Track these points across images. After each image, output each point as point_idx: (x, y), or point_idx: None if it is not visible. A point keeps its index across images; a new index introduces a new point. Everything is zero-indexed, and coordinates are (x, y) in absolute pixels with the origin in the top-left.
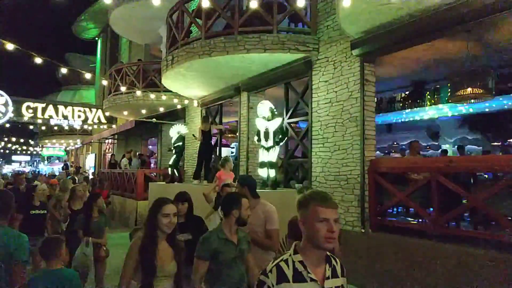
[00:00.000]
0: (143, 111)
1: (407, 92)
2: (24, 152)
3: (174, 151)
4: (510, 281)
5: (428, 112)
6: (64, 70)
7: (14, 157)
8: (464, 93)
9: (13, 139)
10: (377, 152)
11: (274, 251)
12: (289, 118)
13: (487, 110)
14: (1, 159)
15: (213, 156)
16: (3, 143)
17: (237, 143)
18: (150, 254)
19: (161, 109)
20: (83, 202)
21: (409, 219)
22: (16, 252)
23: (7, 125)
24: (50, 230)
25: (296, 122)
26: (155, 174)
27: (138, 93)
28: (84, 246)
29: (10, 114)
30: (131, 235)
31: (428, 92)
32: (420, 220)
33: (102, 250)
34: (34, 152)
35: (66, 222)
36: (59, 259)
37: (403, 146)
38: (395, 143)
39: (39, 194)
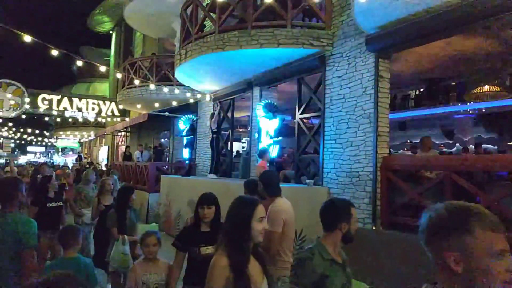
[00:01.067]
0: (156, 105)
1: (421, 90)
2: (39, 143)
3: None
4: None
5: (443, 110)
6: (79, 63)
7: (29, 148)
8: (481, 91)
9: (29, 130)
10: (390, 149)
11: (268, 253)
12: (301, 114)
13: (503, 109)
14: (17, 150)
15: (223, 150)
16: (19, 134)
17: (248, 138)
18: (244, 275)
19: (174, 103)
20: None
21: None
22: (25, 238)
23: (23, 116)
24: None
25: (308, 118)
26: (167, 167)
27: (152, 86)
28: (120, 245)
29: (26, 106)
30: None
31: (443, 90)
32: None
33: (137, 248)
34: (49, 144)
35: (96, 218)
36: (76, 248)
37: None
38: (408, 141)
39: (55, 185)
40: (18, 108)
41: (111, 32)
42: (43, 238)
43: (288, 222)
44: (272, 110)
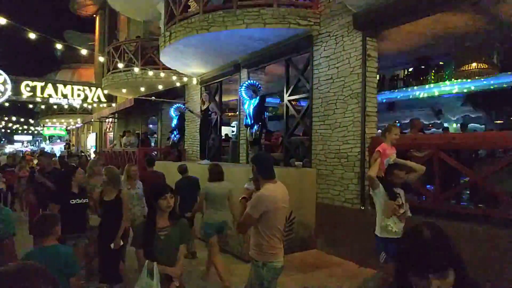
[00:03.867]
0: (142, 89)
1: (410, 69)
2: (25, 131)
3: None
4: (508, 255)
5: (432, 90)
6: (59, 46)
7: (16, 137)
8: (469, 68)
9: (13, 119)
10: (379, 131)
11: (240, 232)
12: (289, 96)
13: (490, 87)
14: (3, 139)
15: (212, 135)
16: (3, 123)
17: (237, 122)
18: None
19: (160, 87)
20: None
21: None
22: (2, 226)
23: (6, 104)
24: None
25: (297, 100)
26: (156, 152)
27: (136, 70)
28: (146, 277)
29: (8, 93)
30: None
31: (432, 69)
32: (420, 197)
33: (173, 286)
34: (36, 132)
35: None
36: (54, 236)
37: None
38: (396, 121)
39: (79, 178)
40: (1, 96)
41: (94, 15)
42: (70, 243)
43: (272, 210)
44: (253, 89)
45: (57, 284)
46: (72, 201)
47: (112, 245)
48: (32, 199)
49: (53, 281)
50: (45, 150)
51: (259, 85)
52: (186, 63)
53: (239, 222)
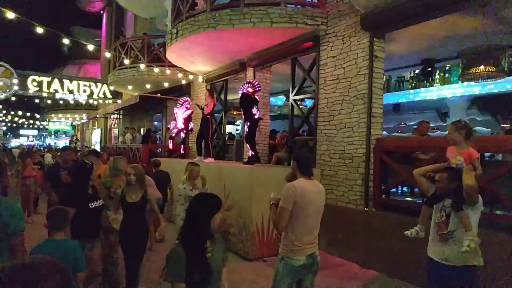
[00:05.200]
0: (148, 86)
1: (416, 71)
2: (31, 126)
3: None
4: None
5: (438, 92)
6: (67, 42)
7: (21, 131)
8: (477, 71)
9: (20, 113)
10: (384, 132)
11: (276, 228)
12: (295, 95)
13: (497, 91)
14: (9, 133)
15: (216, 133)
16: (10, 117)
17: (242, 121)
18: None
19: (166, 84)
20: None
21: (412, 199)
22: (11, 222)
23: (13, 99)
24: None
25: (302, 99)
26: (160, 149)
27: (142, 66)
28: None
29: (15, 87)
30: None
31: (438, 71)
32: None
33: None
34: (41, 127)
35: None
36: (63, 231)
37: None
38: (402, 123)
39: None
40: (8, 90)
41: (101, 12)
42: (86, 248)
43: (300, 202)
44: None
45: (67, 274)
46: (91, 205)
47: (157, 235)
48: (55, 199)
49: (62, 271)
50: (50, 145)
51: (248, 83)
52: (191, 60)
53: (274, 220)
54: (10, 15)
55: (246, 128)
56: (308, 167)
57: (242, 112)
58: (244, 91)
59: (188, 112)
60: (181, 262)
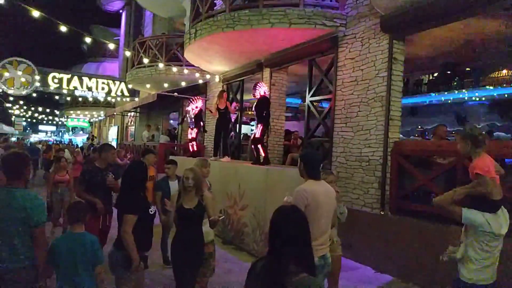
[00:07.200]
0: (165, 85)
1: (435, 74)
2: (50, 122)
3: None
4: None
5: (457, 96)
6: (88, 41)
7: (40, 127)
8: (499, 76)
9: (40, 109)
10: (400, 135)
11: None
12: (311, 96)
13: None
14: (28, 128)
15: (232, 132)
16: (30, 113)
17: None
18: None
19: (183, 84)
20: None
21: (430, 203)
22: (34, 214)
23: (34, 95)
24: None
25: (319, 101)
26: (175, 148)
27: (161, 65)
28: None
29: (36, 84)
30: None
31: (458, 75)
32: None
33: None
34: (60, 123)
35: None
36: (83, 224)
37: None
38: (419, 127)
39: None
40: (29, 87)
41: (121, 11)
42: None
43: (312, 204)
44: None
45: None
46: (151, 211)
47: (217, 217)
48: (101, 206)
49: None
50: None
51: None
52: (209, 60)
53: None
54: (36, 13)
55: (257, 131)
56: (315, 170)
57: (255, 114)
58: (262, 93)
59: (196, 110)
60: None
